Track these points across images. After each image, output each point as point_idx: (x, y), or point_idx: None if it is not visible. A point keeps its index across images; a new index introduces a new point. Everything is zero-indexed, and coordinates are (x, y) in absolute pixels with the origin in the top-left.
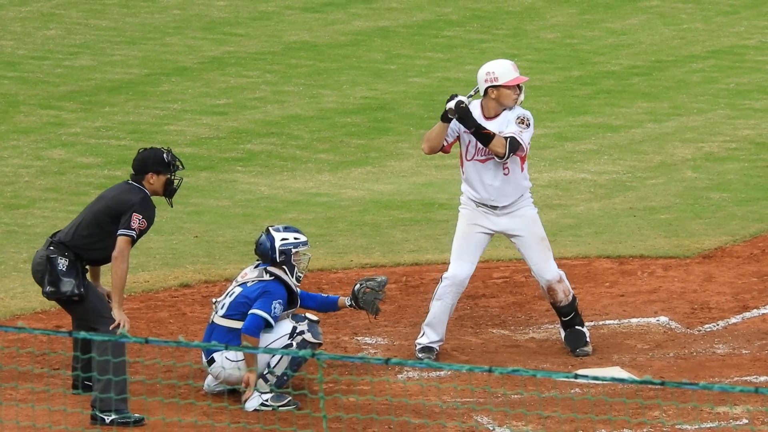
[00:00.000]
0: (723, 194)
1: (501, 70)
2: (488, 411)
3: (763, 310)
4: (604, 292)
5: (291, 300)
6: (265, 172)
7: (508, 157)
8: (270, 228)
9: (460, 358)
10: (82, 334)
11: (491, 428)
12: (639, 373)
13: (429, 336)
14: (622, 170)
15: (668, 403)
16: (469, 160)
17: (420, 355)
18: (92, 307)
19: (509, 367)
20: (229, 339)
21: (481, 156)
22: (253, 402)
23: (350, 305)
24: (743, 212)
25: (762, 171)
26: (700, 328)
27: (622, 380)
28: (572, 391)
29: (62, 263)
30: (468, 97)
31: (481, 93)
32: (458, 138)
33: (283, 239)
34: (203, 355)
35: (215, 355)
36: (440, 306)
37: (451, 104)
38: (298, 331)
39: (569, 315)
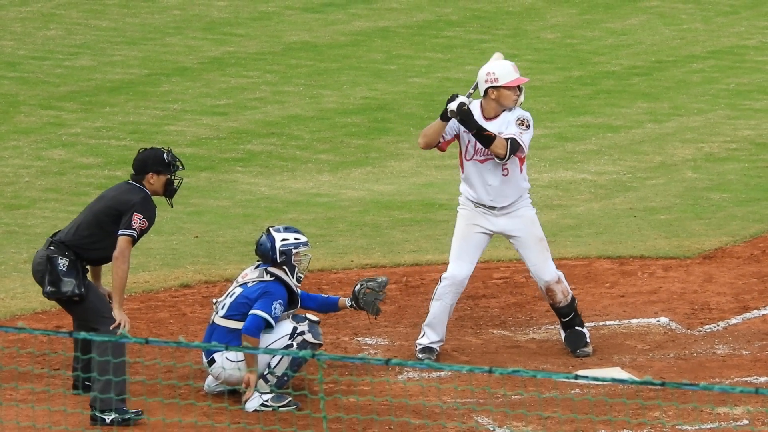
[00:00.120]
0: (723, 195)
1: (501, 71)
2: (488, 411)
3: (763, 311)
4: (605, 293)
5: (291, 300)
6: (265, 173)
7: (508, 159)
8: (270, 228)
9: (460, 358)
10: (83, 334)
11: (491, 429)
12: (639, 374)
13: (429, 336)
14: (622, 170)
15: (668, 403)
16: (468, 160)
17: (420, 356)
18: (93, 307)
19: (509, 367)
20: (230, 339)
21: (481, 156)
22: (253, 402)
23: (351, 306)
24: (743, 213)
25: (762, 171)
26: (701, 328)
27: (622, 381)
28: (572, 391)
29: (63, 263)
30: (468, 96)
31: (481, 93)
32: (456, 137)
33: (283, 240)
34: (203, 356)
35: (216, 356)
36: (440, 306)
37: (453, 106)
38: (298, 331)
39: (568, 316)
